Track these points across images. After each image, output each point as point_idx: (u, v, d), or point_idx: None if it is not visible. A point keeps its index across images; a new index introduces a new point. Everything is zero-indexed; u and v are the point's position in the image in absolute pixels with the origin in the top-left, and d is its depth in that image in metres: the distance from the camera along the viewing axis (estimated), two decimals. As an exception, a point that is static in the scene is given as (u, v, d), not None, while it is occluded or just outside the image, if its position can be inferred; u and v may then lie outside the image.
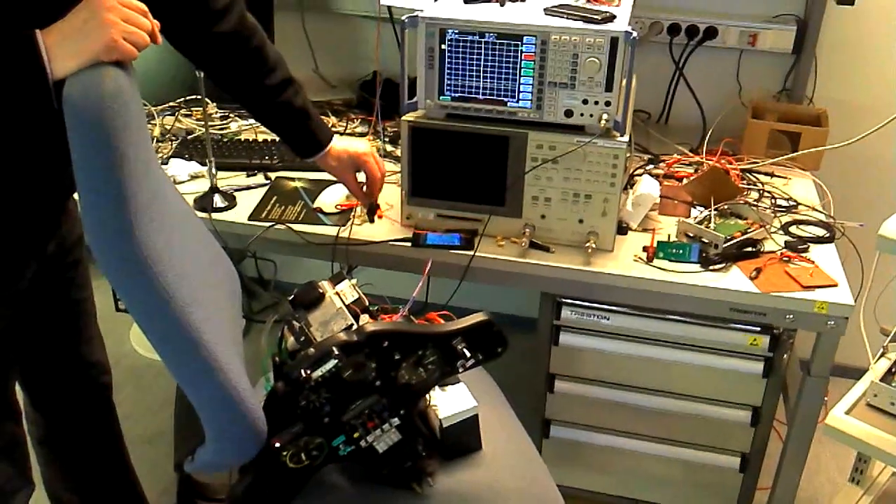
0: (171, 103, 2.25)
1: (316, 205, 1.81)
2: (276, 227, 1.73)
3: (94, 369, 1.66)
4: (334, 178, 1.71)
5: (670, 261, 1.65)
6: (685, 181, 1.93)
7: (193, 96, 2.22)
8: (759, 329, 1.68)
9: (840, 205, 1.85)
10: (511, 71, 1.58)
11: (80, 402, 1.67)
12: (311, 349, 1.17)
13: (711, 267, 1.63)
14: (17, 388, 1.54)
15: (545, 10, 1.61)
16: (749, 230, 1.69)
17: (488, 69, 1.59)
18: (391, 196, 1.82)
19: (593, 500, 2.02)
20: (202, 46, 1.48)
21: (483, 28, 1.56)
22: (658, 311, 1.71)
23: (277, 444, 1.17)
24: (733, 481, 1.90)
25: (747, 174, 1.99)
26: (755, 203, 1.84)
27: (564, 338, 1.80)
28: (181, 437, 1.45)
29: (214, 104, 2.23)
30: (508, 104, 1.61)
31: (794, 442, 1.73)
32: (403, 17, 1.58)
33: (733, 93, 2.27)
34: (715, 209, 1.75)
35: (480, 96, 1.61)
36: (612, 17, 1.56)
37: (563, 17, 1.58)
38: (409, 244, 1.68)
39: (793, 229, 1.77)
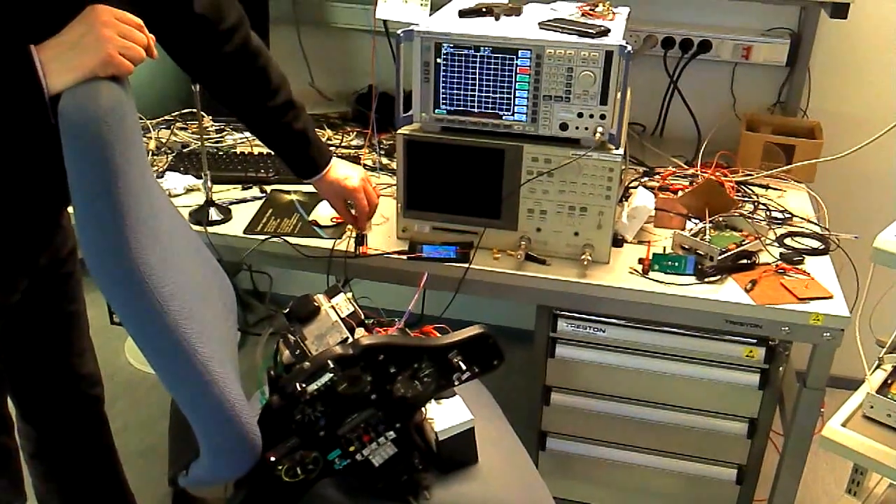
0: (167, 116, 2.25)
1: (311, 218, 1.81)
2: (272, 240, 1.73)
3: (85, 381, 1.66)
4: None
5: (666, 273, 1.65)
6: (680, 193, 1.93)
7: (189, 109, 2.22)
8: (754, 341, 1.68)
9: (835, 217, 1.86)
10: (506, 84, 1.58)
11: (72, 414, 1.67)
12: (307, 363, 1.17)
13: (707, 279, 1.63)
14: (10, 401, 1.53)
15: (540, 24, 1.62)
16: (744, 242, 1.69)
17: (483, 83, 1.59)
18: (387, 209, 1.82)
19: (590, 512, 2.02)
20: (207, 66, 1.49)
21: (478, 42, 1.56)
22: (654, 324, 1.71)
23: (273, 458, 1.16)
24: (730, 493, 1.89)
25: (742, 186, 1.99)
26: (750, 215, 1.84)
27: (560, 350, 1.79)
28: (175, 451, 1.45)
29: (210, 117, 2.23)
30: (504, 117, 1.61)
31: (791, 454, 1.73)
32: (399, 31, 1.59)
33: (728, 105, 2.29)
34: (710, 221, 1.75)
35: (476, 109, 1.62)
36: (606, 31, 1.57)
37: (557, 31, 1.59)
38: (404, 257, 1.68)
39: (788, 241, 1.78)
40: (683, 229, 1.77)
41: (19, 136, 1.16)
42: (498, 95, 1.59)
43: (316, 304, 1.30)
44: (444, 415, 1.31)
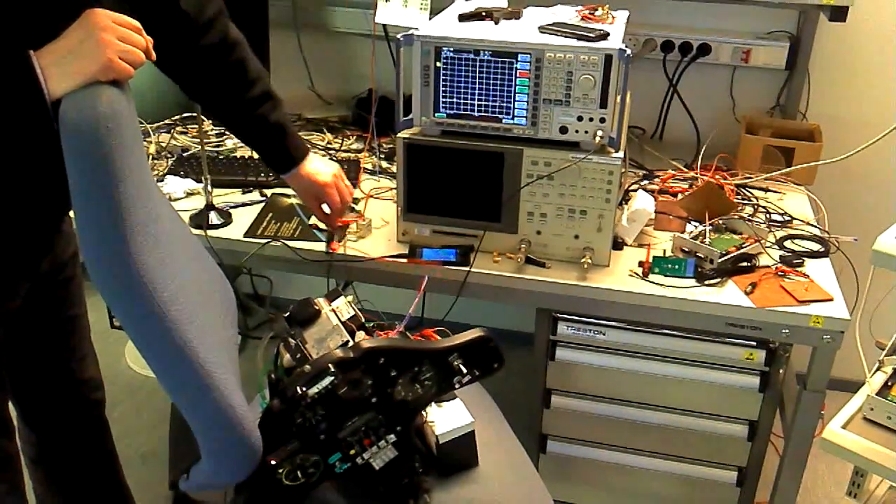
0: (167, 120, 2.25)
1: (312, 221, 1.81)
2: (272, 243, 1.73)
3: (86, 386, 1.66)
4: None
5: (666, 276, 1.65)
6: (680, 196, 1.93)
7: (189, 113, 2.22)
8: (755, 343, 1.68)
9: (834, 219, 1.86)
10: (506, 88, 1.59)
11: (73, 418, 1.67)
12: (307, 366, 1.17)
13: (707, 282, 1.63)
14: (11, 405, 1.53)
15: (540, 28, 1.63)
16: (744, 245, 1.69)
17: (483, 86, 1.59)
18: (387, 212, 1.82)
19: (591, 516, 2.02)
20: (185, 59, 1.45)
21: (478, 46, 1.57)
22: (654, 326, 1.72)
23: (273, 462, 1.16)
24: (730, 496, 1.89)
25: (742, 189, 2.00)
26: (750, 218, 1.84)
27: (561, 353, 1.79)
28: (176, 455, 1.45)
29: (210, 121, 2.24)
30: (503, 121, 1.61)
31: (791, 456, 1.73)
32: (399, 35, 1.59)
33: (727, 109, 2.29)
34: (710, 224, 1.75)
35: (475, 113, 1.62)
36: (606, 35, 1.57)
37: (557, 35, 1.59)
38: (404, 260, 1.69)
39: (787, 244, 1.78)
40: (683, 232, 1.78)
41: (21, 141, 1.16)
42: (498, 99, 1.60)
43: (316, 307, 1.30)
44: (445, 418, 1.31)
